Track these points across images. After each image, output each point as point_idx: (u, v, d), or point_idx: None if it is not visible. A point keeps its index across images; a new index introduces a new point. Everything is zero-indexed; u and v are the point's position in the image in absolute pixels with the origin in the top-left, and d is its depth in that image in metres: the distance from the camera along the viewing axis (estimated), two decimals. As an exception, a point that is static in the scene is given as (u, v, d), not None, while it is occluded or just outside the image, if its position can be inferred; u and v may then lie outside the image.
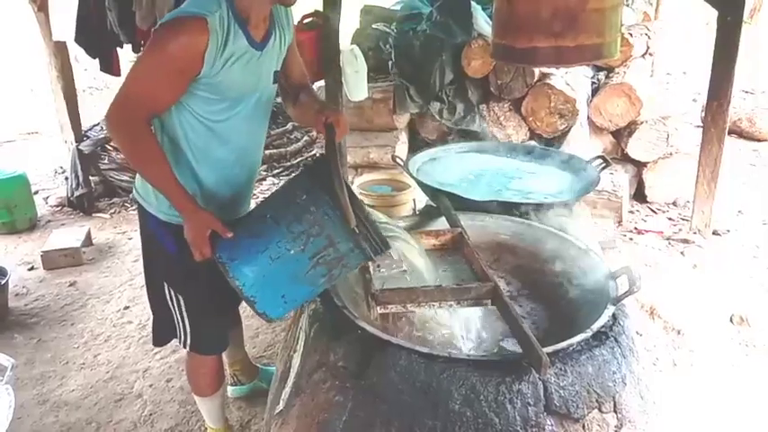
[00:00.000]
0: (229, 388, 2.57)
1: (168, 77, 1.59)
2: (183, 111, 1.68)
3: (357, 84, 3.97)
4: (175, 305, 1.93)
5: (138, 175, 1.85)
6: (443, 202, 2.07)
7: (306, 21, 3.62)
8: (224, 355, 2.31)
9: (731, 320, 3.02)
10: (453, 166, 2.65)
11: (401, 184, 3.73)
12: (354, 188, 3.72)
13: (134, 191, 1.90)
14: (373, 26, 5.07)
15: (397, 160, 2.80)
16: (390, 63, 4.60)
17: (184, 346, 2.03)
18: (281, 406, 1.59)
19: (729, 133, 4.30)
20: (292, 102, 1.93)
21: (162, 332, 2.10)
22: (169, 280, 1.91)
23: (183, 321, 1.96)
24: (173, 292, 1.92)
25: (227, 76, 1.63)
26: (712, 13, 3.54)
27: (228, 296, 1.68)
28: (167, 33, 1.57)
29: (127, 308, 3.37)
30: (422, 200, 2.96)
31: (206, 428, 2.33)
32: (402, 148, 4.51)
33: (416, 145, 4.63)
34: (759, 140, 5.75)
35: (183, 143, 1.73)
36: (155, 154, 1.64)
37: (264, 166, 5.17)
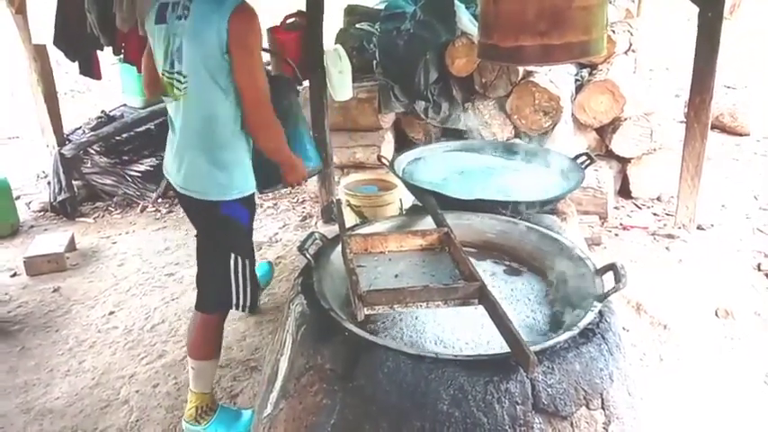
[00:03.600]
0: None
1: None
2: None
3: (342, 84, 3.95)
4: (240, 271, 2.25)
5: (217, 180, 2.13)
6: (429, 202, 2.07)
7: (289, 21, 3.60)
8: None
9: (716, 314, 3.05)
10: (439, 165, 2.65)
11: (387, 184, 3.73)
12: (340, 188, 3.72)
13: (202, 194, 2.15)
14: (357, 26, 5.06)
15: (383, 160, 2.80)
16: (375, 62, 4.59)
17: (243, 309, 2.34)
18: (268, 410, 1.58)
19: (712, 128, 4.34)
20: None
21: (211, 302, 2.33)
22: (238, 249, 2.25)
23: (246, 284, 2.28)
24: (240, 260, 2.25)
25: None
26: (694, 10, 3.57)
27: None
28: (252, 19, 1.97)
29: (112, 313, 3.34)
30: (408, 199, 2.96)
31: (196, 397, 2.37)
32: (388, 148, 4.50)
33: (402, 144, 4.63)
34: (741, 135, 5.81)
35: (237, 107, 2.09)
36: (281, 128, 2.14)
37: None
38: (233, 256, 2.24)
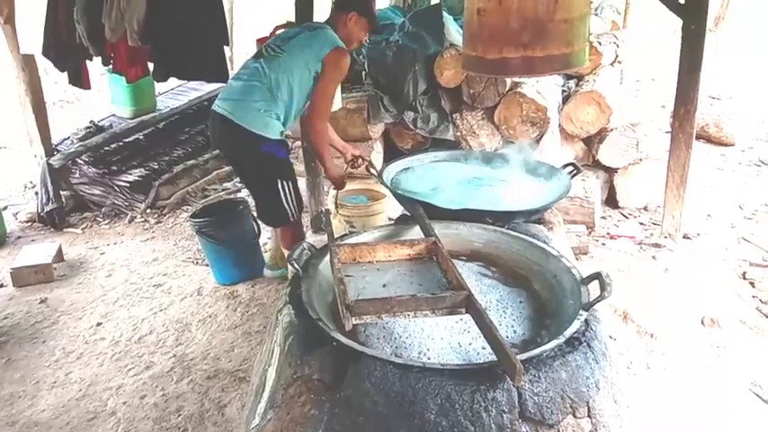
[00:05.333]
0: (265, 270, 3.69)
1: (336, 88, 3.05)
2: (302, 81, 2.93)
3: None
4: (287, 192, 3.04)
5: (258, 124, 2.89)
6: (418, 212, 2.08)
7: (278, 32, 3.62)
8: (272, 242, 3.69)
9: (702, 323, 3.08)
10: (427, 176, 2.66)
11: (377, 194, 3.74)
12: (330, 199, 3.72)
13: (251, 130, 2.88)
14: (346, 37, 5.08)
15: (372, 170, 2.81)
16: (364, 73, 4.62)
17: (293, 218, 3.12)
18: (256, 420, 1.57)
19: (697, 138, 4.40)
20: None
21: (273, 218, 3.23)
22: (282, 176, 3.04)
23: (293, 201, 3.08)
24: (285, 183, 3.03)
25: None
26: (679, 22, 3.63)
27: None
28: (343, 58, 2.90)
29: (99, 324, 3.32)
30: (397, 209, 2.97)
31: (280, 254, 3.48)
32: (377, 158, 4.52)
33: (391, 155, 4.64)
34: (726, 145, 5.88)
35: (293, 95, 2.95)
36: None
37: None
38: (279, 182, 3.01)
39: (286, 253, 3.24)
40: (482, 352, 1.52)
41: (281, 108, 2.93)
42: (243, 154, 3.03)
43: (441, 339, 1.57)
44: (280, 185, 3.02)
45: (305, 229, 4.25)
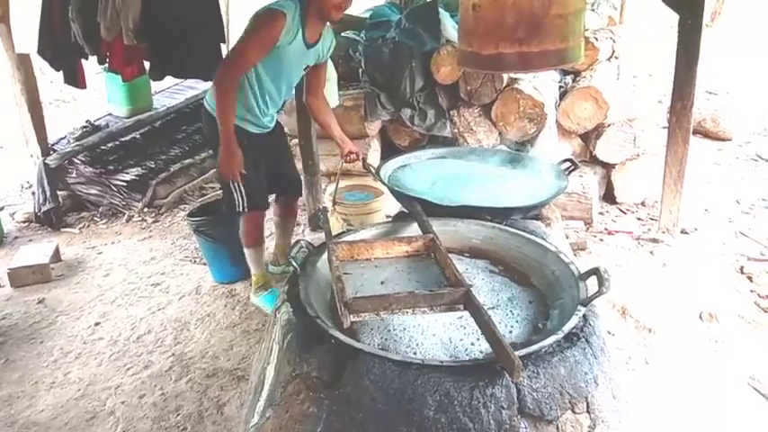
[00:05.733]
0: (270, 266, 3.65)
1: (259, 49, 2.66)
2: (259, 66, 2.75)
3: (328, 92, 3.96)
4: (234, 184, 2.93)
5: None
6: (415, 209, 2.08)
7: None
8: (275, 238, 3.71)
9: (700, 317, 3.08)
10: (425, 172, 2.66)
11: (374, 191, 3.73)
12: (327, 196, 3.71)
13: (209, 111, 2.90)
14: (342, 34, 5.07)
15: (370, 167, 2.81)
16: (360, 71, 4.60)
17: (244, 210, 3.03)
18: (255, 419, 1.57)
19: (694, 133, 4.39)
20: (313, 104, 3.23)
21: (225, 205, 3.09)
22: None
23: (240, 191, 2.96)
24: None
25: (285, 52, 2.72)
26: (675, 17, 3.62)
27: (272, 180, 3.22)
28: (265, 20, 2.62)
29: (98, 324, 3.31)
30: (395, 206, 2.97)
31: (253, 276, 3.35)
32: (374, 155, 4.51)
33: (388, 152, 4.64)
34: (723, 140, 5.89)
35: (258, 78, 2.82)
36: (232, 104, 2.72)
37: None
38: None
39: (245, 251, 3.26)
40: (471, 348, 1.52)
41: (249, 93, 2.85)
42: (210, 138, 3.05)
43: (433, 336, 1.57)
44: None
45: (303, 228, 4.27)
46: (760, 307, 3.19)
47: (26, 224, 4.66)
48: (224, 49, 4.02)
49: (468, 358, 1.48)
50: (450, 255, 1.75)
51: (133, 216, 4.70)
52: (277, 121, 3.20)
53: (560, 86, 4.62)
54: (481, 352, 1.50)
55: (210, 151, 5.18)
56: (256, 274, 3.32)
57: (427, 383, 1.32)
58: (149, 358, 2.99)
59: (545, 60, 1.79)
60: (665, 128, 4.21)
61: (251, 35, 2.65)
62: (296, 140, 4.17)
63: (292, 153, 3.71)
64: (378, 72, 4.44)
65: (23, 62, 4.35)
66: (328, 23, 2.91)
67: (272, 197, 3.47)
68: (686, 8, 3.56)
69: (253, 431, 1.56)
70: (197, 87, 6.15)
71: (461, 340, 1.55)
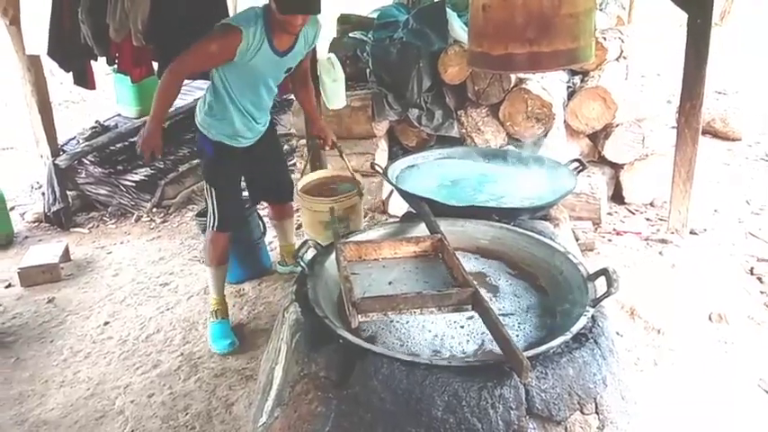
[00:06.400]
0: (278, 266, 3.72)
1: (201, 61, 2.68)
2: (229, 73, 2.71)
3: (335, 92, 3.98)
4: (209, 195, 2.92)
5: (202, 115, 2.88)
6: (423, 209, 2.08)
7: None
8: (277, 240, 3.74)
9: (710, 318, 3.06)
10: (433, 173, 2.67)
11: (350, 180, 3.34)
12: (296, 194, 3.33)
13: (197, 124, 2.91)
14: (350, 35, 5.08)
15: (377, 168, 2.81)
16: (368, 71, 4.61)
17: (212, 228, 2.97)
18: (264, 418, 1.58)
19: (703, 133, 4.38)
20: (297, 91, 3.23)
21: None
22: (207, 177, 2.96)
23: (213, 207, 2.92)
24: (208, 186, 2.93)
25: (252, 64, 2.64)
26: (685, 16, 3.60)
27: (262, 186, 3.30)
28: (215, 36, 2.58)
29: (107, 323, 3.33)
30: (402, 207, 2.97)
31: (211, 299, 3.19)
32: (382, 156, 4.52)
33: (396, 152, 4.64)
34: (732, 140, 5.85)
35: (228, 88, 2.77)
36: (169, 97, 2.72)
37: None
38: (205, 182, 2.96)
39: (206, 269, 3.14)
40: (456, 347, 1.53)
41: (234, 115, 2.81)
42: (198, 150, 3.11)
43: (429, 332, 1.59)
44: (205, 186, 2.96)
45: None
46: (770, 308, 3.17)
47: (36, 224, 4.69)
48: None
49: (448, 355, 1.49)
50: (466, 254, 1.75)
51: (142, 216, 4.72)
52: (270, 124, 3.09)
53: (568, 86, 4.61)
54: (464, 352, 1.51)
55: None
56: (213, 297, 3.14)
57: (435, 384, 1.32)
58: (158, 357, 3.01)
59: (555, 60, 1.78)
60: (673, 128, 4.19)
61: (198, 46, 2.58)
62: (303, 141, 4.18)
63: (284, 157, 3.64)
64: (385, 72, 4.44)
65: (34, 63, 4.38)
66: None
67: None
68: (695, 7, 3.54)
69: (261, 430, 1.57)
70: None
71: (453, 338, 1.56)
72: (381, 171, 2.61)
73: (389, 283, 1.77)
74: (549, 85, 4.31)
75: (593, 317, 1.53)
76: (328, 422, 1.37)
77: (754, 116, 6.06)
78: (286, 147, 5.63)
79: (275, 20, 2.56)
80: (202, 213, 3.65)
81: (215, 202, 2.92)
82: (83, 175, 4.79)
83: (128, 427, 2.56)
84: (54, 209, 4.57)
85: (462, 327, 1.60)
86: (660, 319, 3.01)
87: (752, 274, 3.51)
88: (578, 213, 4.01)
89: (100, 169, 4.78)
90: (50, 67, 4.38)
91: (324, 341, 1.48)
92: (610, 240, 3.96)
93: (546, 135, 4.19)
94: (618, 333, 2.78)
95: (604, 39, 4.69)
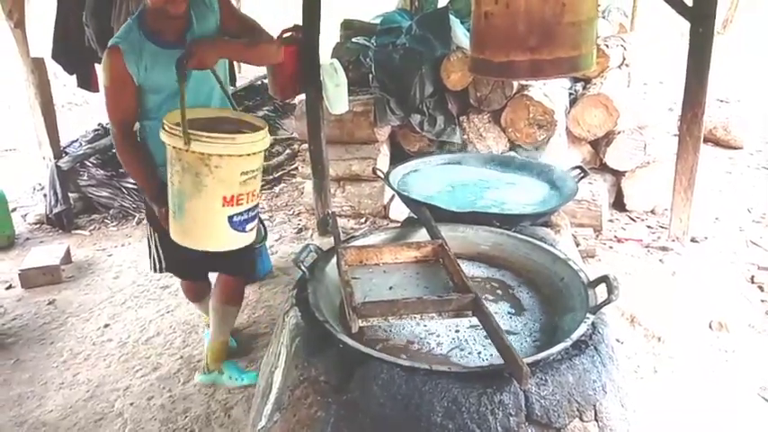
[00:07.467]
0: (197, 376, 2.86)
1: (116, 94, 2.25)
2: (145, 103, 2.31)
3: (338, 97, 3.99)
4: (151, 238, 2.61)
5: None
6: (424, 214, 2.08)
7: (285, 35, 3.63)
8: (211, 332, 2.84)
9: (710, 326, 3.06)
10: (434, 178, 2.67)
11: (244, 124, 2.27)
12: (165, 128, 2.25)
13: None
14: (353, 40, 5.11)
15: (378, 172, 2.81)
16: (370, 76, 4.62)
17: (159, 271, 2.66)
18: (263, 422, 1.58)
19: (705, 142, 4.38)
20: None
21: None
22: (149, 219, 2.59)
23: (158, 252, 2.60)
24: (151, 230, 2.60)
25: (153, 76, 2.23)
26: (687, 25, 3.61)
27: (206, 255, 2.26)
28: (103, 61, 2.26)
29: (107, 326, 3.33)
30: (404, 212, 2.97)
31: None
32: (384, 161, 4.53)
33: (398, 157, 4.65)
34: (734, 148, 5.86)
35: (148, 113, 2.33)
36: (134, 160, 2.35)
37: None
38: (147, 224, 2.65)
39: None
40: (435, 349, 1.54)
41: (146, 129, 2.40)
42: None
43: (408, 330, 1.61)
44: (147, 229, 2.64)
45: (312, 233, 4.27)
46: (771, 317, 3.17)
47: (37, 226, 4.70)
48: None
49: (424, 352, 1.50)
50: (471, 262, 1.75)
51: (143, 219, 4.72)
52: None
53: (570, 93, 4.62)
54: (441, 354, 1.52)
55: None
56: (212, 342, 2.77)
57: (435, 389, 1.31)
58: (158, 360, 3.01)
59: (557, 68, 1.78)
60: (675, 135, 4.19)
61: (104, 88, 2.28)
62: (305, 145, 4.19)
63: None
64: (388, 78, 4.45)
65: (38, 66, 4.40)
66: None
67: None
68: (697, 16, 3.55)
69: (260, 434, 1.56)
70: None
71: (438, 336, 1.58)
72: (383, 176, 2.61)
73: (390, 288, 1.77)
74: (551, 91, 4.31)
75: (593, 324, 1.53)
76: (327, 427, 1.37)
77: (755, 125, 6.07)
78: (288, 151, 5.66)
79: (151, 13, 2.22)
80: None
81: (159, 248, 2.58)
82: (85, 178, 4.80)
83: (126, 429, 2.56)
84: (56, 211, 4.58)
85: (458, 331, 1.60)
86: (660, 326, 3.01)
87: (753, 282, 3.51)
88: (579, 220, 4.02)
89: (102, 171, 4.79)
90: (54, 69, 4.40)
91: (324, 346, 1.48)
92: (611, 247, 3.96)
93: (548, 142, 4.20)
94: (618, 340, 2.78)
95: (607, 46, 4.70)
